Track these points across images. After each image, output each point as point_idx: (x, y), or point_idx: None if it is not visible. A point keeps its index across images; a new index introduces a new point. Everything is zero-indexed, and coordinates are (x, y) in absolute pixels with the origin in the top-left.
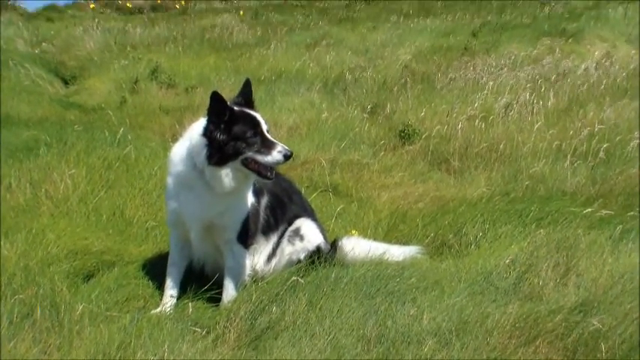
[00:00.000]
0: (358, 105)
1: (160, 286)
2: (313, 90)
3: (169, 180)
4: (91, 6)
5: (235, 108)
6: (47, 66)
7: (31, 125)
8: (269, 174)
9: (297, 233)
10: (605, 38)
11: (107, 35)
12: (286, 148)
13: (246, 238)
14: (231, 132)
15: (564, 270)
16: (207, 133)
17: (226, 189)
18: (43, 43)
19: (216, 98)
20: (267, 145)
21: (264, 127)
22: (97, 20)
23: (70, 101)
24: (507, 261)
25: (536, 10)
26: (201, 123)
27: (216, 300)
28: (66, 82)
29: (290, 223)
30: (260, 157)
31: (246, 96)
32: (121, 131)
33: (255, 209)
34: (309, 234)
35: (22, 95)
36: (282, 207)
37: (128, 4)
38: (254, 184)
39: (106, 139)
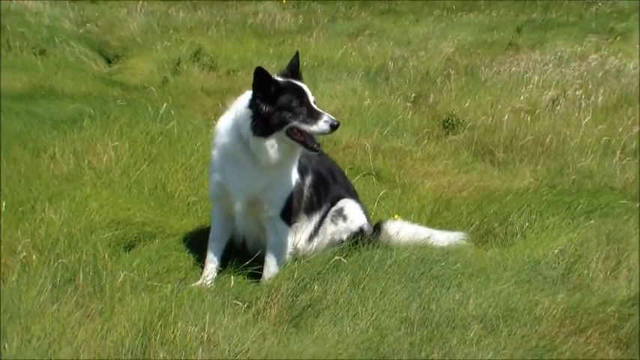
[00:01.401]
0: (401, 94)
1: (201, 260)
2: (356, 78)
3: (214, 152)
4: None
5: (280, 80)
6: (91, 45)
7: (76, 99)
8: (315, 145)
9: (340, 213)
10: None
11: (150, 18)
12: (333, 117)
13: (289, 215)
14: (276, 102)
15: (615, 263)
16: (252, 105)
17: (271, 161)
18: (88, 24)
19: (260, 73)
20: (314, 115)
21: (311, 97)
22: (140, 2)
23: (112, 79)
24: (556, 251)
25: (582, 9)
26: (247, 96)
27: (257, 276)
28: (109, 61)
29: (333, 203)
30: (306, 127)
31: (293, 68)
32: (164, 107)
33: (300, 187)
34: (353, 214)
35: (67, 71)
36: (326, 186)
37: None
38: (299, 161)
39: (149, 114)
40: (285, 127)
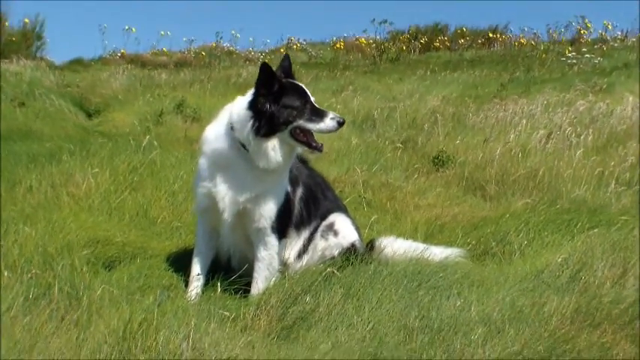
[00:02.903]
0: (388, 139)
1: (185, 278)
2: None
3: (202, 161)
4: (122, 51)
5: (282, 79)
6: (72, 100)
7: (55, 139)
8: (319, 145)
9: (330, 228)
10: (638, 93)
11: (132, 79)
12: (338, 115)
13: (280, 228)
14: (280, 102)
15: (621, 271)
16: (254, 105)
17: (271, 163)
18: (69, 88)
19: (266, 69)
20: (319, 113)
21: (312, 97)
22: (122, 66)
23: (93, 129)
24: (559, 259)
25: (564, 68)
26: (240, 101)
27: (244, 293)
28: (89, 115)
29: (323, 219)
30: (312, 125)
31: (285, 70)
32: (146, 139)
33: (290, 199)
34: (344, 229)
35: (46, 120)
36: (316, 201)
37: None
38: (290, 171)
39: (131, 146)
40: (290, 127)
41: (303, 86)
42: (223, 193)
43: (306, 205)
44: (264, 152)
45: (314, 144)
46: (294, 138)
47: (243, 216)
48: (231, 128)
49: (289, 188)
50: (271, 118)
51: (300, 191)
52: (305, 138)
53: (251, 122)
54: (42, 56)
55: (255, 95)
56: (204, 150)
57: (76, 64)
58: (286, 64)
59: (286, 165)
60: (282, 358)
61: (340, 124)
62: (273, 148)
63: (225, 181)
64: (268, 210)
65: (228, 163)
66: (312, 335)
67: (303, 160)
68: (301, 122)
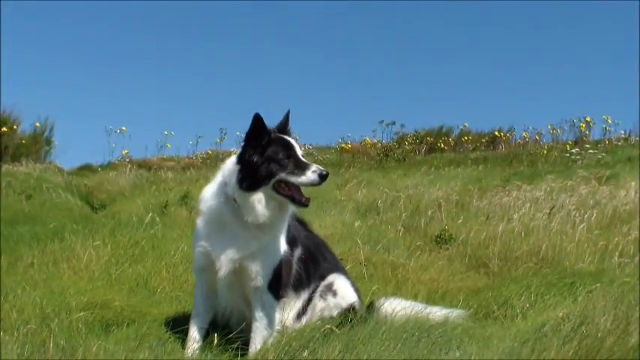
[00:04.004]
0: (391, 224)
1: (183, 337)
2: (345, 212)
3: (199, 221)
4: (124, 152)
5: (271, 133)
6: (79, 194)
7: (59, 220)
8: (303, 199)
9: (329, 288)
10: None
11: (139, 177)
12: (321, 167)
13: (277, 287)
14: (264, 154)
15: (625, 324)
16: (242, 157)
17: (259, 218)
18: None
19: (258, 121)
20: (301, 166)
21: (299, 151)
22: (129, 166)
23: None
24: (560, 314)
25: (568, 163)
26: (230, 158)
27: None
28: (95, 209)
29: (322, 280)
30: (294, 178)
31: (281, 126)
32: (149, 216)
33: (288, 259)
34: (343, 290)
35: (53, 210)
36: (315, 262)
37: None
38: (288, 231)
39: (133, 223)
40: (273, 181)
41: (291, 140)
42: (219, 251)
43: (305, 266)
44: (250, 206)
45: (298, 198)
46: (277, 191)
47: (239, 274)
48: (224, 184)
49: (287, 248)
50: (254, 170)
51: (298, 252)
52: (289, 192)
53: (236, 175)
54: (51, 161)
55: (244, 147)
56: (201, 209)
57: (85, 169)
58: (284, 120)
59: (278, 221)
60: None
61: (322, 176)
62: (260, 202)
63: (221, 239)
64: (265, 268)
65: (224, 221)
66: None
67: (301, 222)
68: (283, 175)
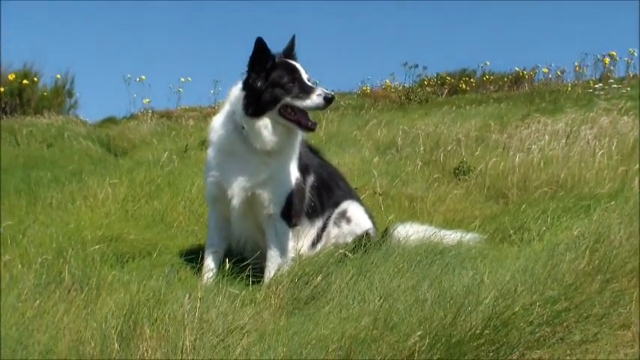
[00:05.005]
0: (409, 159)
1: (199, 271)
2: (364, 150)
3: (210, 150)
4: (146, 101)
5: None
6: (100, 142)
7: (76, 163)
8: (309, 123)
9: (343, 215)
10: None
11: (161, 125)
12: (327, 90)
13: (290, 214)
14: (268, 79)
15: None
16: (247, 83)
17: (267, 144)
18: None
19: (260, 45)
20: (306, 90)
21: (304, 74)
22: (150, 114)
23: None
24: (575, 232)
25: (591, 97)
26: (237, 85)
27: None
28: (116, 155)
29: (335, 208)
30: (299, 102)
31: (287, 51)
32: (165, 155)
33: (301, 186)
34: (357, 217)
35: (72, 157)
36: (329, 190)
37: None
38: (300, 158)
39: (150, 162)
40: (278, 105)
41: (296, 64)
42: (231, 180)
43: (319, 194)
44: (257, 132)
45: (304, 122)
46: (283, 116)
47: (252, 203)
48: (232, 113)
49: (299, 176)
50: (259, 96)
51: (311, 179)
52: (295, 116)
53: (243, 102)
54: (75, 114)
55: (248, 72)
56: (210, 138)
57: (109, 121)
58: (290, 45)
59: (286, 146)
60: (292, 331)
61: (328, 100)
62: (266, 127)
63: (232, 167)
64: (277, 195)
65: (234, 149)
66: (324, 311)
67: (314, 150)
68: (288, 100)
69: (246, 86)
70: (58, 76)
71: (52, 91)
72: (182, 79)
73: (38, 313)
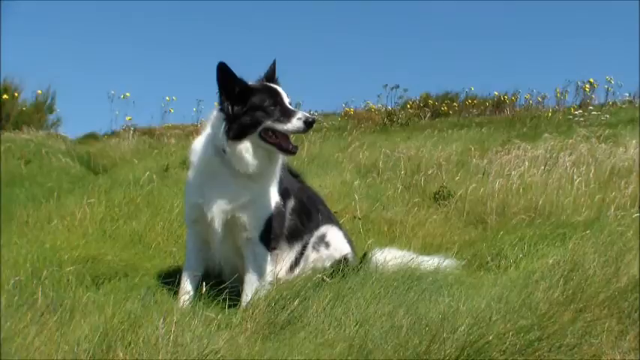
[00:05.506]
0: (390, 182)
1: (175, 293)
2: (345, 172)
3: (190, 172)
4: (128, 118)
5: (253, 83)
6: (79, 159)
7: (54, 181)
8: (290, 147)
9: (322, 240)
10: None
11: (142, 143)
12: (307, 114)
13: (269, 238)
14: (247, 102)
15: (614, 269)
16: (222, 108)
17: (249, 167)
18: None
19: (222, 69)
20: (287, 113)
21: (285, 98)
22: (132, 131)
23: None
24: (550, 261)
25: (571, 124)
26: (215, 108)
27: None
28: (96, 174)
29: (315, 232)
30: (280, 126)
31: (268, 74)
32: (145, 175)
33: (280, 210)
34: (336, 241)
35: (51, 174)
36: (308, 214)
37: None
38: (280, 183)
39: (129, 182)
40: (259, 128)
41: (277, 87)
42: (211, 203)
43: (299, 218)
44: (239, 155)
45: (285, 146)
46: (264, 140)
47: (232, 226)
48: (214, 135)
49: (279, 200)
50: (240, 119)
51: (291, 203)
52: (276, 140)
53: (223, 125)
54: (54, 130)
55: (219, 98)
56: (191, 161)
57: (90, 138)
58: (270, 69)
59: (268, 170)
60: (267, 357)
61: (308, 123)
62: (247, 151)
63: (212, 190)
64: (256, 219)
65: (214, 172)
66: (299, 336)
67: (294, 174)
68: (269, 123)
69: (222, 110)
70: (39, 91)
71: (33, 106)
72: (167, 99)
73: (9, 335)
